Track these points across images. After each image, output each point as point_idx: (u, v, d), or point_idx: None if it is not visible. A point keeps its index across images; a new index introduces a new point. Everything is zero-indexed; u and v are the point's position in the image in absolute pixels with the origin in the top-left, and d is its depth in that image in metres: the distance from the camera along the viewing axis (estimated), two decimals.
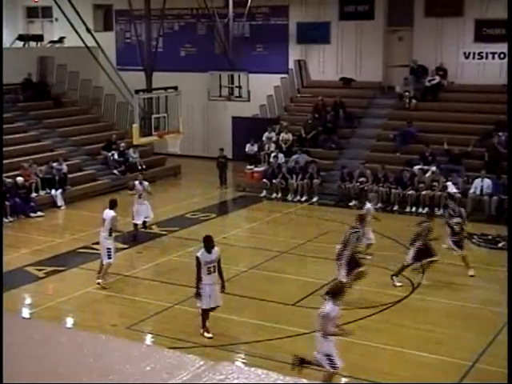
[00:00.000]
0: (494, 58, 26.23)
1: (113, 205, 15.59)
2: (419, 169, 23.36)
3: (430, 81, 26.56)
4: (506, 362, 11.32)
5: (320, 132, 26.48)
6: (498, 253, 18.03)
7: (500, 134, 23.68)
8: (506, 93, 25.45)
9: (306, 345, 12.34)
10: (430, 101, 26.44)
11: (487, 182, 21.78)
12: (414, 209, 22.44)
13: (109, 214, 15.39)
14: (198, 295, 12.44)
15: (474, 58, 26.55)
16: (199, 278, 12.34)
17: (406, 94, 26.60)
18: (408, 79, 27.03)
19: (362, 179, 23.46)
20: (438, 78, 26.54)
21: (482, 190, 21.78)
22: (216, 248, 12.50)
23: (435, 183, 22.55)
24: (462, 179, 22.36)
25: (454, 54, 26.80)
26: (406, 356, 11.94)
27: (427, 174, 23.05)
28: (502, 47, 25.82)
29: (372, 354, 11.97)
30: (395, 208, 22.53)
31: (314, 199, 23.89)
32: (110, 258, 15.25)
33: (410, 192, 22.55)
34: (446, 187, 22.04)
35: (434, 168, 23.21)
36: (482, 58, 26.44)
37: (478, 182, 21.90)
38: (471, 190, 21.90)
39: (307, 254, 17.86)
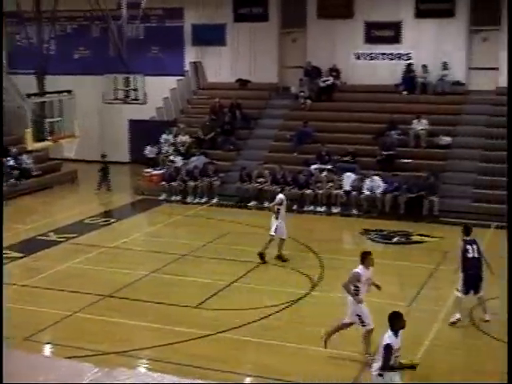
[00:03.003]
0: (384, 58, 27.06)
1: (363, 258, 12.05)
2: (316, 168, 23.79)
3: (323, 81, 27.10)
4: (411, 355, 11.67)
5: (218, 133, 26.55)
6: (393, 247, 18.60)
7: (392, 132, 24.41)
8: (396, 92, 26.37)
9: (211, 346, 12.38)
10: (325, 101, 26.98)
11: (377, 180, 22.44)
12: (311, 208, 22.82)
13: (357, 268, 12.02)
14: None
15: (365, 58, 27.28)
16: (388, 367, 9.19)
17: (302, 94, 27.04)
18: (303, 80, 27.49)
19: (260, 180, 23.71)
20: (331, 79, 27.12)
21: (373, 188, 22.45)
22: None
23: (331, 182, 23.06)
24: (357, 177, 22.93)
25: (346, 55, 27.43)
26: (308, 352, 12.13)
27: (324, 173, 23.51)
28: (392, 48, 26.73)
29: (276, 353, 12.11)
30: (294, 207, 22.85)
31: (214, 200, 23.94)
32: (364, 325, 11.85)
33: (307, 191, 22.94)
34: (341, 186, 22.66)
35: (330, 167, 23.70)
36: (372, 58, 27.21)
37: (369, 181, 22.54)
38: (364, 188, 22.50)
39: (208, 255, 17.87)
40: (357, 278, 11.76)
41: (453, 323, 13.28)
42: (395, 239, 19.19)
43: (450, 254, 17.57)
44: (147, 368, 11.53)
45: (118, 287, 15.40)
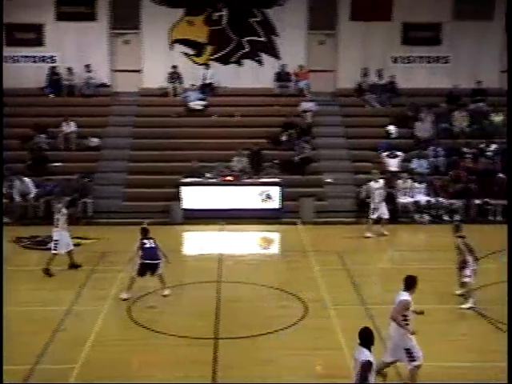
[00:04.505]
0: (28, 61, 26.65)
1: (411, 284, 10.49)
2: None
3: None
4: (74, 356, 11.65)
5: None
6: (49, 254, 18.26)
7: (41, 136, 24.06)
8: (43, 96, 26.07)
9: None
10: None
11: (27, 182, 22.04)
12: None
13: (401, 296, 10.44)
14: None
15: (8, 62, 26.47)
16: None
17: None
18: None
19: None
20: None
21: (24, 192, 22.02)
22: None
23: None
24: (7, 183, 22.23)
25: None
26: None
27: None
28: (35, 51, 26.45)
29: None
30: None
31: None
32: (413, 360, 10.31)
33: None
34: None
35: None
36: (16, 61, 26.58)
37: (19, 184, 22.03)
38: (15, 193, 21.88)
39: None
40: (406, 306, 10.29)
41: (124, 299, 14.48)
42: (49, 245, 18.89)
43: (108, 253, 18.00)
44: None
45: None
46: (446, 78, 26.82)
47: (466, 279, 14.27)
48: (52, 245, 16.70)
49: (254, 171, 23.09)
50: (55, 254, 16.58)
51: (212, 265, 17.21)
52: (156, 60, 26.77)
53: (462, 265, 14.29)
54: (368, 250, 19.25)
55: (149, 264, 14.61)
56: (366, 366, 8.44)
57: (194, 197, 22.16)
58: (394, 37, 26.93)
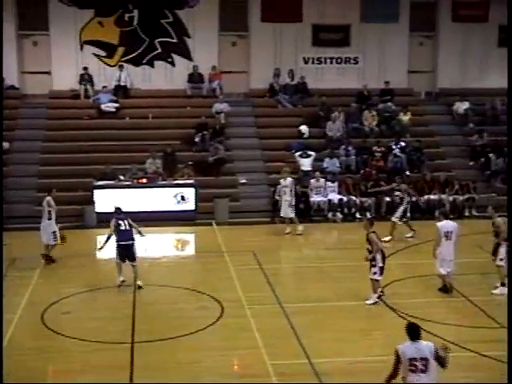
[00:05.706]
0: None
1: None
2: None
3: None
4: None
5: None
6: None
7: None
8: None
9: None
10: None
11: None
12: None
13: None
14: None
15: None
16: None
17: None
18: None
19: None
20: None
21: None
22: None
23: None
24: None
25: None
26: None
27: None
28: None
29: None
30: None
31: None
32: None
33: None
34: None
35: None
36: None
37: None
38: None
39: None
40: None
41: (119, 286, 15.47)
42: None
43: (18, 260, 17.63)
44: None
45: None
46: (355, 79, 27.43)
47: (371, 276, 14.32)
48: (51, 236, 17.46)
49: (168, 173, 23.04)
50: (55, 244, 17.63)
51: (127, 268, 17.06)
52: (66, 62, 26.31)
53: (373, 263, 14.31)
54: (282, 250, 19.52)
55: (124, 245, 15.52)
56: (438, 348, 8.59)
57: (107, 200, 21.89)
58: (304, 38, 27.33)
